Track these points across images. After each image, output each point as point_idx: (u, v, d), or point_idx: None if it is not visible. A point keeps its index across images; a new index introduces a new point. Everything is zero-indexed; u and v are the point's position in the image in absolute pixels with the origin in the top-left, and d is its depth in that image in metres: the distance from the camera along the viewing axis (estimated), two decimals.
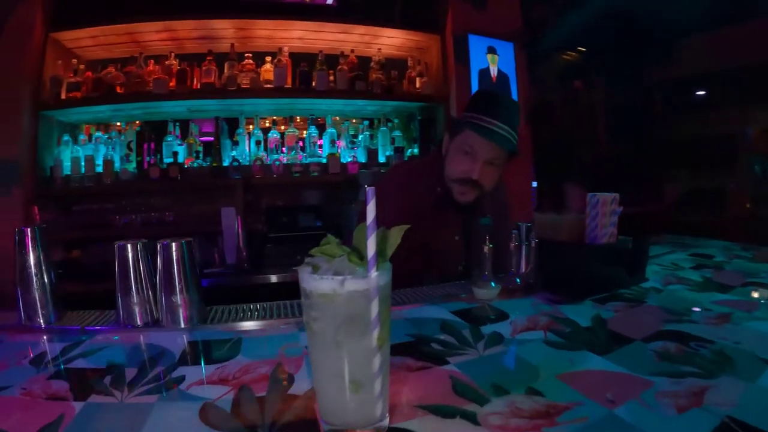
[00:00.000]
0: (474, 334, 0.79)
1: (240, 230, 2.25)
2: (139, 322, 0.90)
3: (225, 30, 2.49)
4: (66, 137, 2.47)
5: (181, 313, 0.90)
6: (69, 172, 2.42)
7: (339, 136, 2.50)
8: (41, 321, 0.94)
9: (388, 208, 1.34)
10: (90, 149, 2.41)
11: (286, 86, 2.41)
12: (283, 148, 2.41)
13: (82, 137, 2.46)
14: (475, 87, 2.72)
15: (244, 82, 2.38)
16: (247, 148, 2.39)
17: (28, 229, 0.92)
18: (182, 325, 0.90)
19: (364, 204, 0.48)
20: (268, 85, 2.41)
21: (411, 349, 0.73)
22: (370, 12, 2.63)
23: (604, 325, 0.81)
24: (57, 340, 0.87)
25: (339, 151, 2.44)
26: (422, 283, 1.21)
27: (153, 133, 2.42)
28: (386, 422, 0.50)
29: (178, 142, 2.38)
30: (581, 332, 0.79)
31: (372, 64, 2.56)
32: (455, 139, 1.28)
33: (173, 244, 0.88)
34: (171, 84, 2.37)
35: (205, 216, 2.28)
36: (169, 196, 2.40)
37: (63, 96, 2.42)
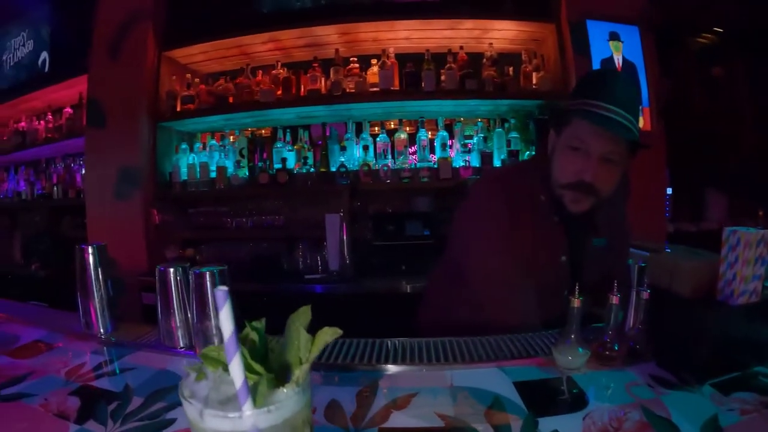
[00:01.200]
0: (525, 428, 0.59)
1: (345, 237, 2.19)
2: (176, 344, 0.93)
3: (329, 36, 2.46)
4: (183, 145, 2.61)
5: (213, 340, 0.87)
6: (185, 178, 2.56)
7: (451, 139, 2.33)
8: (97, 330, 1.02)
9: (476, 231, 1.08)
10: (205, 156, 2.52)
11: (392, 88, 2.31)
12: (392, 153, 2.31)
13: (198, 145, 2.59)
14: None
15: (350, 86, 2.32)
16: (356, 153, 2.33)
17: (89, 247, 1.01)
18: None
19: None
20: (374, 89, 2.32)
21: None
22: (478, 4, 2.44)
23: None
24: (100, 352, 0.94)
25: (451, 155, 2.27)
26: (515, 318, 0.99)
27: (264, 139, 2.46)
28: None
29: (288, 148, 2.39)
30: None
31: (484, 60, 2.36)
32: (562, 133, 1.04)
33: (206, 272, 0.84)
34: (278, 92, 2.39)
35: (313, 221, 2.27)
36: (278, 201, 2.42)
37: (178, 108, 2.59)
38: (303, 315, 0.38)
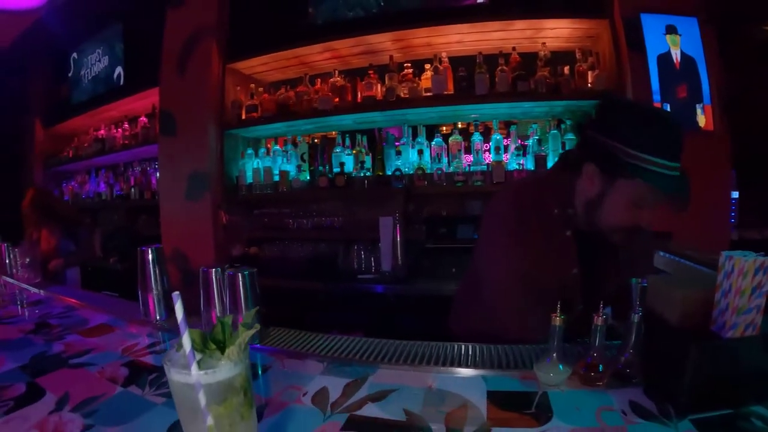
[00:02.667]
0: None
1: (398, 239, 2.30)
2: None
3: (383, 43, 2.54)
4: (249, 151, 2.81)
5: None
6: (251, 181, 2.76)
7: (506, 142, 2.37)
8: (153, 317, 1.20)
9: (492, 242, 1.12)
10: (269, 161, 2.71)
11: (445, 93, 2.37)
12: (447, 156, 2.38)
13: (262, 151, 2.77)
14: (654, 76, 2.34)
15: (404, 92, 2.40)
16: (412, 157, 2.42)
17: (149, 249, 1.20)
18: None
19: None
20: (428, 93, 2.39)
21: (370, 430, 0.64)
22: (529, 3, 2.43)
23: None
24: (153, 335, 1.12)
25: (505, 158, 2.32)
26: (524, 329, 0.98)
27: (323, 144, 2.60)
28: None
29: (347, 153, 2.52)
30: None
31: (537, 60, 2.37)
32: (618, 183, 0.98)
33: (238, 274, 0.99)
34: (335, 100, 2.52)
35: (368, 223, 2.38)
36: (336, 203, 2.56)
37: (243, 116, 2.77)
38: (248, 317, 0.52)
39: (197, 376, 0.45)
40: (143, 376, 0.86)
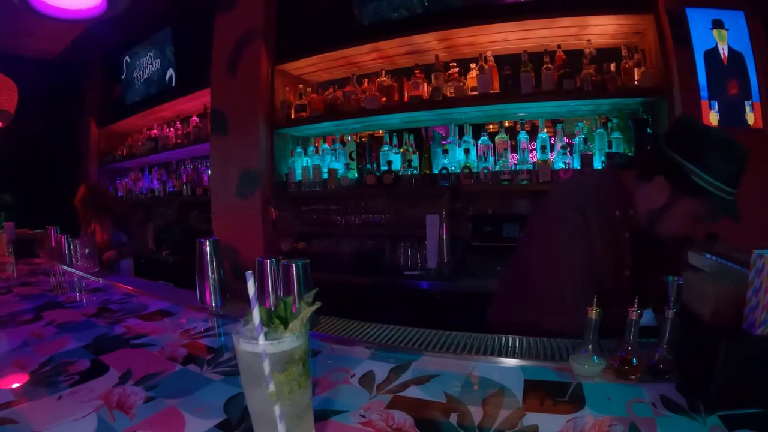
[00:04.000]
0: (509, 420, 0.65)
1: (444, 236, 2.38)
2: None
3: (428, 43, 2.60)
4: (298, 149, 2.94)
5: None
6: (300, 178, 2.89)
7: (552, 141, 2.41)
8: (209, 304, 1.27)
9: (547, 238, 1.18)
10: (317, 159, 2.83)
11: (491, 91, 2.42)
12: (493, 155, 2.44)
13: (311, 149, 2.89)
14: (701, 72, 2.32)
15: (450, 91, 2.46)
16: (458, 156, 2.49)
17: (206, 240, 1.27)
18: None
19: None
20: (473, 92, 2.45)
21: (413, 409, 0.69)
22: (573, 0, 2.44)
23: None
24: (209, 321, 1.18)
25: (551, 157, 2.36)
26: (574, 325, 0.99)
27: (372, 143, 2.70)
28: None
29: (394, 151, 2.61)
30: None
31: (583, 58, 2.39)
32: (682, 201, 1.08)
33: (292, 264, 1.05)
34: (383, 99, 2.61)
35: (415, 220, 2.47)
36: (383, 201, 2.66)
37: (292, 116, 2.90)
38: (309, 296, 0.59)
39: (264, 345, 0.52)
40: (201, 356, 0.92)
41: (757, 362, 0.64)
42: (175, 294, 1.47)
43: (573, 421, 0.64)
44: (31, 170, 4.23)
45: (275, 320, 0.56)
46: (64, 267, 2.06)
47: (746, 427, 0.61)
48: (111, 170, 4.51)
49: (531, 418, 0.65)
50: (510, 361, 0.87)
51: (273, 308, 0.57)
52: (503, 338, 0.99)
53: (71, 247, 2.05)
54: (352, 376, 0.81)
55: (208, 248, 1.27)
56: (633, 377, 0.76)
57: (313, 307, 0.57)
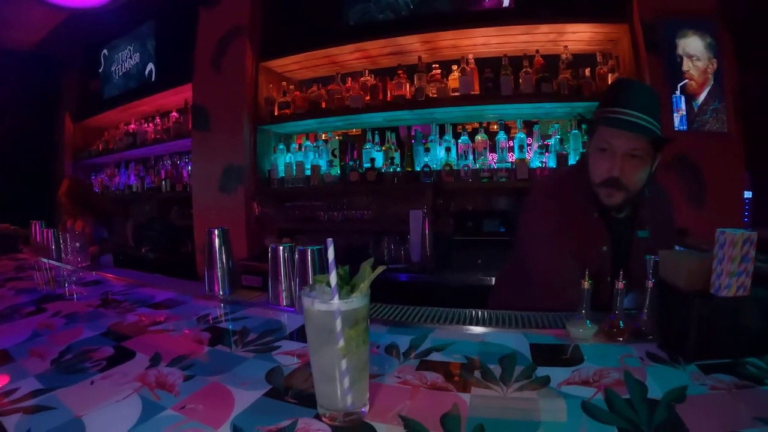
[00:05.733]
0: (524, 373, 0.75)
1: (427, 231, 2.43)
2: (281, 303, 1.18)
3: (412, 44, 2.66)
4: (281, 146, 2.94)
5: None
6: (283, 175, 2.89)
7: (529, 141, 2.50)
8: (218, 292, 1.29)
9: (534, 237, 1.30)
10: (300, 156, 2.84)
11: (472, 93, 2.49)
12: (473, 154, 2.51)
13: (294, 146, 2.90)
14: (672, 79, 2.46)
15: (432, 92, 2.53)
16: (440, 154, 2.55)
17: (215, 230, 1.29)
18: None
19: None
20: (455, 93, 2.52)
21: (440, 369, 0.76)
22: (553, 8, 2.54)
23: (671, 408, 0.62)
24: (222, 308, 1.20)
25: (528, 156, 2.44)
26: (565, 299, 1.11)
27: (354, 141, 2.73)
28: (361, 413, 0.61)
29: (377, 149, 2.65)
30: (640, 404, 0.63)
31: (560, 63, 2.49)
32: (593, 139, 1.22)
33: (308, 250, 1.09)
34: (366, 98, 2.64)
35: (398, 216, 2.51)
36: (366, 198, 2.69)
37: (276, 113, 2.90)
38: (369, 262, 0.64)
39: (338, 304, 0.59)
40: (227, 337, 0.94)
41: (724, 318, 0.80)
42: (178, 285, 1.46)
43: (578, 371, 0.75)
44: (4, 165, 4.08)
45: (344, 284, 0.61)
46: (52, 262, 2.02)
47: (719, 372, 0.73)
48: (86, 166, 4.39)
49: (542, 371, 0.75)
50: (515, 330, 0.97)
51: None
52: (505, 313, 1.09)
53: (60, 241, 2.00)
54: (377, 347, 0.87)
55: (216, 237, 1.28)
56: (621, 338, 0.88)
57: (379, 270, 0.63)
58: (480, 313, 1.09)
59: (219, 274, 1.29)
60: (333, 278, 0.59)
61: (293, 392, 0.68)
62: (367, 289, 0.62)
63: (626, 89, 1.17)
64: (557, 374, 0.74)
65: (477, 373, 0.75)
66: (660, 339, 0.86)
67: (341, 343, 0.58)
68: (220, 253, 1.29)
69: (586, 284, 0.91)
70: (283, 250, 1.17)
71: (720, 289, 0.79)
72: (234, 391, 0.69)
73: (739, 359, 0.78)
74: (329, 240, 0.62)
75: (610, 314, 0.91)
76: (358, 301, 0.60)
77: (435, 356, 0.83)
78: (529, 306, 1.16)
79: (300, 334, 0.97)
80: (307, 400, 0.65)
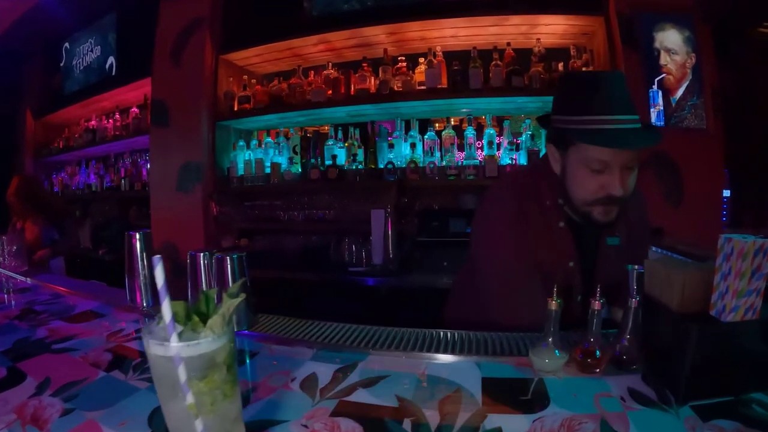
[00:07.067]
0: (470, 422, 0.59)
1: (390, 231, 2.28)
2: None
3: (377, 36, 2.53)
4: (241, 142, 2.78)
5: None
6: (242, 173, 2.74)
7: (499, 137, 2.36)
8: (140, 304, 1.18)
9: (486, 236, 1.09)
10: (260, 153, 2.69)
11: (439, 86, 2.36)
12: (439, 151, 2.37)
13: (254, 142, 2.75)
14: (649, 74, 2.35)
15: (398, 85, 2.39)
16: (406, 150, 2.40)
17: (136, 233, 1.17)
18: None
19: None
20: (421, 87, 2.38)
21: (362, 414, 0.62)
22: None
23: None
24: (139, 321, 1.10)
25: (498, 153, 2.31)
26: (521, 321, 0.94)
27: (316, 137, 2.59)
28: None
29: (339, 145, 2.50)
30: None
31: (532, 56, 2.37)
32: (570, 152, 0.97)
33: (226, 257, 0.97)
34: (329, 92, 2.50)
35: (361, 215, 2.37)
36: (328, 197, 2.54)
37: (236, 108, 2.75)
38: (236, 286, 0.50)
39: (177, 348, 0.43)
40: (127, 361, 0.85)
41: (728, 350, 0.62)
42: (107, 293, 1.37)
43: (540, 420, 0.60)
44: None
45: (194, 317, 0.46)
46: None
47: (720, 416, 0.58)
48: (48, 164, 4.20)
49: (493, 420, 0.60)
50: (464, 358, 0.81)
51: (194, 302, 0.47)
52: (456, 333, 0.93)
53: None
54: (292, 380, 0.74)
55: (138, 242, 1.15)
56: (597, 370, 0.73)
57: (238, 300, 0.47)
58: (425, 334, 0.93)
59: (141, 283, 1.17)
60: (166, 310, 0.44)
61: None
62: (223, 326, 0.46)
63: (604, 87, 0.92)
64: (513, 425, 0.59)
65: (407, 423, 0.60)
66: (646, 369, 0.70)
67: (189, 399, 0.44)
68: (142, 260, 1.16)
69: (553, 305, 0.73)
70: (204, 257, 1.03)
71: (724, 313, 0.61)
72: None
73: (741, 395, 0.62)
74: (156, 258, 0.46)
75: (584, 341, 0.74)
76: (208, 343, 0.44)
77: (360, 395, 0.69)
78: (487, 322, 0.99)
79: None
80: None
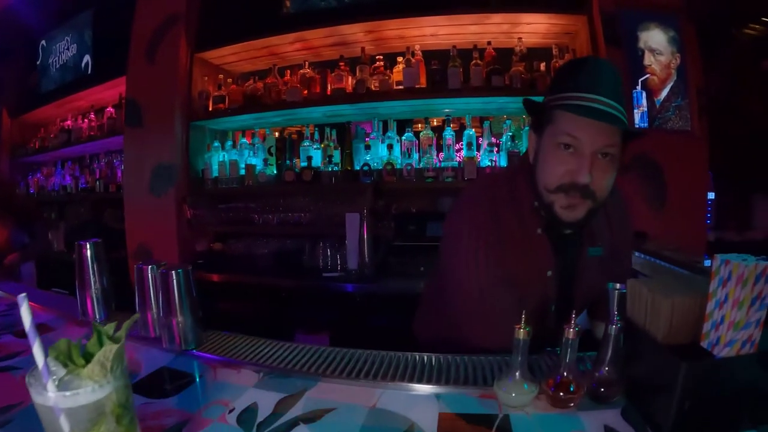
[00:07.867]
0: None
1: (365, 235, 2.20)
2: (151, 334, 1.00)
3: (355, 35, 2.46)
4: (215, 143, 2.70)
5: (175, 335, 0.93)
6: (217, 175, 2.65)
7: (479, 138, 2.29)
8: (92, 317, 1.10)
9: (454, 244, 0.99)
10: (235, 154, 2.60)
11: (417, 86, 2.29)
12: (417, 152, 2.29)
13: (229, 143, 2.66)
14: (632, 74, 2.30)
15: (375, 85, 2.32)
16: (383, 152, 2.33)
17: (87, 243, 1.08)
18: (176, 346, 0.93)
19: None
20: (399, 87, 2.31)
21: None
22: None
23: None
24: (90, 336, 0.95)
25: (478, 154, 2.23)
26: (490, 338, 0.87)
27: (292, 138, 2.51)
28: None
29: (315, 147, 2.42)
30: None
31: (513, 56, 2.30)
32: (545, 132, 0.91)
33: (171, 273, 0.90)
34: (305, 92, 2.42)
35: (336, 219, 2.29)
36: (303, 199, 2.46)
37: (210, 108, 2.67)
38: (124, 327, 0.45)
39: (56, 397, 0.37)
40: None
41: (721, 386, 0.55)
42: (63, 305, 1.28)
43: None
44: None
45: (78, 360, 0.40)
46: None
47: None
48: (24, 164, 4.09)
49: None
50: (424, 388, 0.74)
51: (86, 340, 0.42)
52: (416, 357, 0.86)
53: None
54: (230, 411, 0.68)
55: (88, 252, 1.08)
56: (572, 405, 0.66)
57: (116, 347, 0.40)
58: (383, 357, 0.86)
59: (92, 295, 1.09)
60: (38, 354, 0.39)
61: None
62: (103, 373, 0.40)
63: (593, 70, 0.88)
64: None
65: None
66: (626, 403, 0.64)
67: None
68: (93, 271, 1.08)
69: (522, 333, 0.65)
70: (152, 270, 0.97)
71: (718, 346, 0.53)
72: None
73: None
74: (21, 296, 0.40)
75: (557, 373, 0.66)
76: (88, 393, 0.38)
77: (300, 431, 0.62)
78: (455, 340, 0.92)
79: (152, 382, 0.80)
80: None
